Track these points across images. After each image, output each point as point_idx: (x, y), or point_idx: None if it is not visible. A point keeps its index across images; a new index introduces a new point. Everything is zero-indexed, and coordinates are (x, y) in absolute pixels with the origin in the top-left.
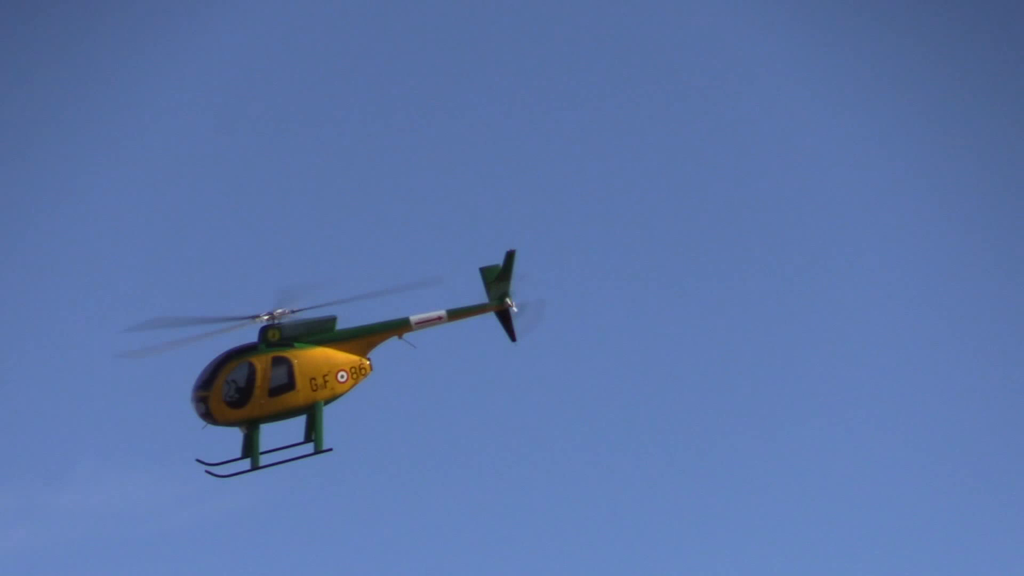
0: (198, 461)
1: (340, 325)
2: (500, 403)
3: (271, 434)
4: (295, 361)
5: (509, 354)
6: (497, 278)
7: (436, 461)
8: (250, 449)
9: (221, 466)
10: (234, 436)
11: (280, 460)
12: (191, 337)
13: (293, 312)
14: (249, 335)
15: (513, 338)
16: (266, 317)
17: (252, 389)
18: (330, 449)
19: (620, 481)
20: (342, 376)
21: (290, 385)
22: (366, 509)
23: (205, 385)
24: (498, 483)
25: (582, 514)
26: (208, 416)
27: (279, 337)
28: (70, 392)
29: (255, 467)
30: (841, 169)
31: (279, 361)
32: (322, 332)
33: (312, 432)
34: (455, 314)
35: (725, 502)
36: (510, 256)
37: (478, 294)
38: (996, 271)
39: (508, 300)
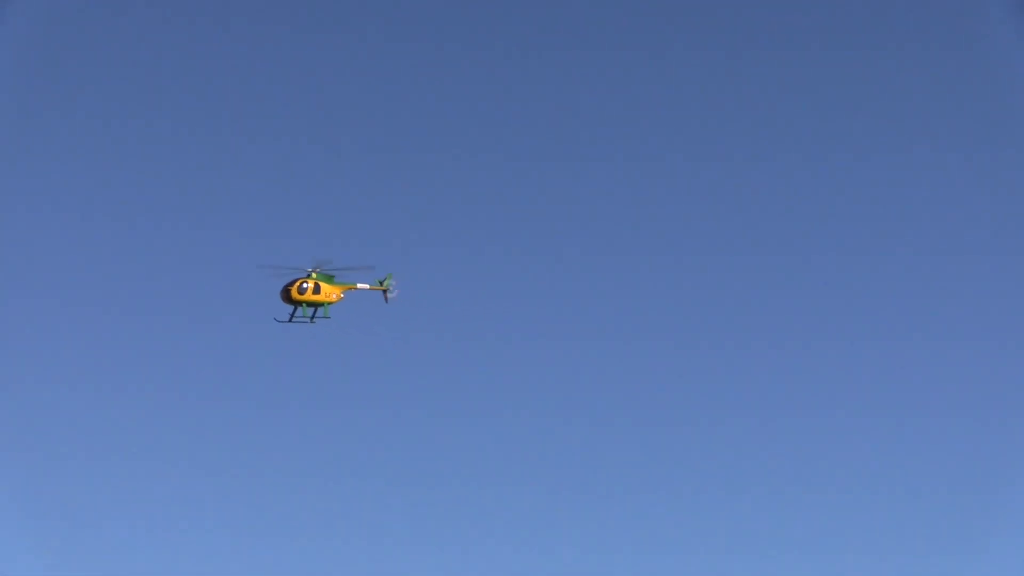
0: (276, 320)
1: (334, 278)
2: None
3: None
4: (323, 286)
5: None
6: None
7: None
8: (293, 315)
9: (289, 323)
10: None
11: (300, 321)
12: (284, 270)
13: (321, 269)
14: (300, 274)
15: (386, 301)
16: (311, 269)
17: (306, 291)
18: (329, 317)
19: None
20: (335, 296)
21: (318, 292)
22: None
23: (289, 285)
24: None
25: None
26: (287, 298)
27: (316, 276)
28: None
29: (292, 319)
30: None
31: (317, 285)
32: (329, 279)
33: (325, 313)
34: (373, 287)
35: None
36: (388, 275)
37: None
38: None
39: (389, 290)
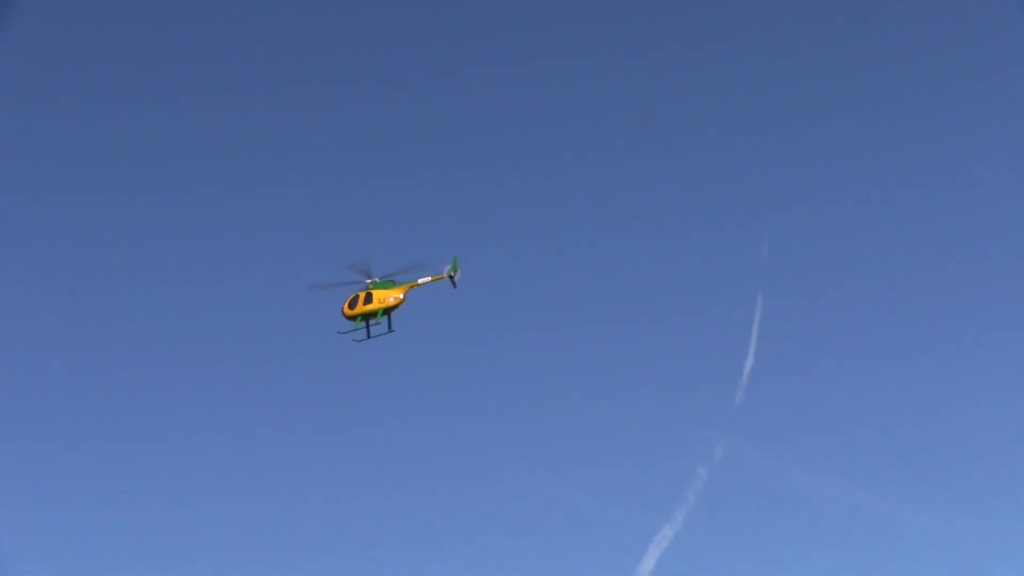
0: (353, 340)
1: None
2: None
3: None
4: (375, 293)
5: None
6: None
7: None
8: (369, 331)
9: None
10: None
11: (379, 334)
12: (343, 284)
13: (380, 277)
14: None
15: (454, 286)
16: (368, 280)
17: (357, 303)
18: (393, 331)
19: None
20: (393, 300)
21: (370, 302)
22: None
23: (345, 301)
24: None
25: None
26: (347, 317)
27: (372, 285)
28: None
29: (369, 336)
30: None
31: (369, 294)
32: (388, 284)
33: (389, 324)
34: (435, 277)
35: None
36: (455, 260)
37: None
38: None
39: (453, 275)
